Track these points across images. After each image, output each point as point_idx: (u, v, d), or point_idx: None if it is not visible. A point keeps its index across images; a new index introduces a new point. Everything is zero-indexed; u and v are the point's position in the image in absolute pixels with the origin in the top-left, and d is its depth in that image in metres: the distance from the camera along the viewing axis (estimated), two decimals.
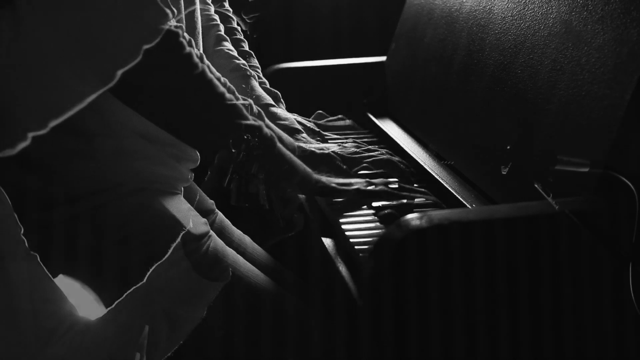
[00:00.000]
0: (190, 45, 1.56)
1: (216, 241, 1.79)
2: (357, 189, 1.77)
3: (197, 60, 1.59)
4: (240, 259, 1.82)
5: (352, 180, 1.80)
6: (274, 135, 1.68)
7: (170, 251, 1.36)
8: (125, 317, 1.34)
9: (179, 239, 1.40)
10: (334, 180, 1.78)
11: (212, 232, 1.79)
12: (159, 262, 1.36)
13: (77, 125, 1.67)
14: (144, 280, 1.36)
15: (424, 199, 1.77)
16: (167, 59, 1.53)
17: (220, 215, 2.00)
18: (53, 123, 1.01)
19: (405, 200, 1.75)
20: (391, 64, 2.34)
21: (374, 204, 1.76)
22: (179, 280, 1.33)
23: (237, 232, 2.01)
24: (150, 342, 1.33)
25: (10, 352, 1.26)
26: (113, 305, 1.37)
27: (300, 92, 2.26)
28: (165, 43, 1.56)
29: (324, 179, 1.76)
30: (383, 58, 2.39)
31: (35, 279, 1.34)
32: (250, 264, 1.84)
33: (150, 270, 1.36)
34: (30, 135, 1.00)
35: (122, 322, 1.34)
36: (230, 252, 1.81)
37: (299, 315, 1.78)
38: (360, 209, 1.77)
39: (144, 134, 1.73)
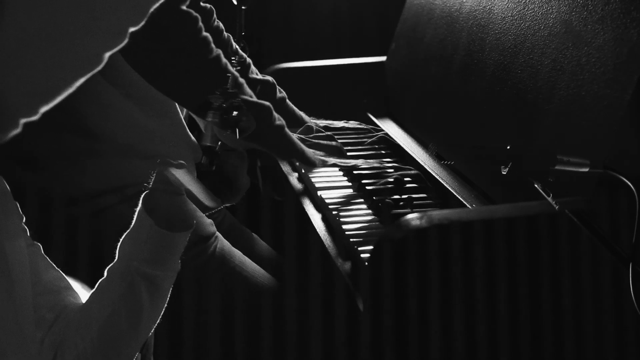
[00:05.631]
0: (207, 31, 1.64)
1: (223, 242, 1.80)
2: (355, 165, 1.90)
3: (213, 45, 1.66)
4: (246, 259, 1.83)
5: (355, 162, 1.92)
6: (281, 118, 1.77)
7: (134, 219, 1.35)
8: (106, 293, 1.34)
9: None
10: (339, 161, 1.90)
11: (218, 234, 1.80)
12: (126, 232, 1.36)
13: (87, 124, 1.68)
14: (116, 255, 1.35)
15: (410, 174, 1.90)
16: (186, 41, 1.63)
17: (227, 214, 2.00)
18: (44, 108, 1.00)
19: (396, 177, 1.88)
20: (391, 64, 2.34)
21: (371, 190, 1.83)
22: (145, 242, 1.33)
23: (246, 231, 2.02)
24: (134, 309, 1.32)
25: (11, 341, 1.26)
26: (95, 287, 1.36)
27: (300, 92, 2.26)
28: (185, 26, 1.63)
29: (329, 159, 1.88)
30: (383, 58, 2.39)
31: (36, 270, 1.34)
32: (256, 265, 1.84)
33: (119, 242, 1.36)
34: (22, 121, 1.00)
35: (103, 298, 1.34)
36: (237, 253, 1.81)
37: (299, 315, 1.78)
38: (356, 203, 1.84)
39: (153, 134, 1.73)
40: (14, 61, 0.98)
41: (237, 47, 2.01)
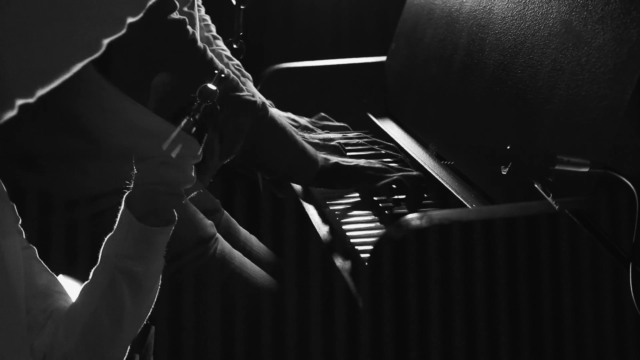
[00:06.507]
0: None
1: (223, 244, 1.80)
2: (356, 165, 1.86)
3: (201, 46, 1.66)
4: (247, 261, 1.83)
5: (356, 161, 1.89)
6: (280, 115, 1.76)
7: (117, 219, 1.34)
8: (89, 292, 1.34)
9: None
10: (341, 159, 1.87)
11: (218, 235, 1.79)
12: (110, 234, 1.35)
13: (85, 125, 1.68)
14: (99, 255, 1.35)
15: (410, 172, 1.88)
16: (174, 44, 1.64)
17: (226, 214, 2.00)
18: (40, 92, 1.01)
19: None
20: (391, 64, 2.34)
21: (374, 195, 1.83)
22: (125, 238, 1.32)
23: (243, 232, 2.02)
24: (115, 306, 1.31)
25: (7, 340, 1.26)
26: (81, 287, 1.36)
27: (300, 92, 2.26)
28: (171, 29, 1.62)
29: (331, 157, 1.86)
30: (383, 58, 2.39)
31: (30, 273, 1.34)
32: (256, 266, 1.84)
33: (104, 243, 1.35)
34: (18, 103, 1.00)
35: (86, 297, 1.34)
36: (237, 254, 1.81)
37: (299, 315, 1.78)
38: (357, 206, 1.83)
39: (152, 134, 1.73)
40: (13, 40, 0.99)
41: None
